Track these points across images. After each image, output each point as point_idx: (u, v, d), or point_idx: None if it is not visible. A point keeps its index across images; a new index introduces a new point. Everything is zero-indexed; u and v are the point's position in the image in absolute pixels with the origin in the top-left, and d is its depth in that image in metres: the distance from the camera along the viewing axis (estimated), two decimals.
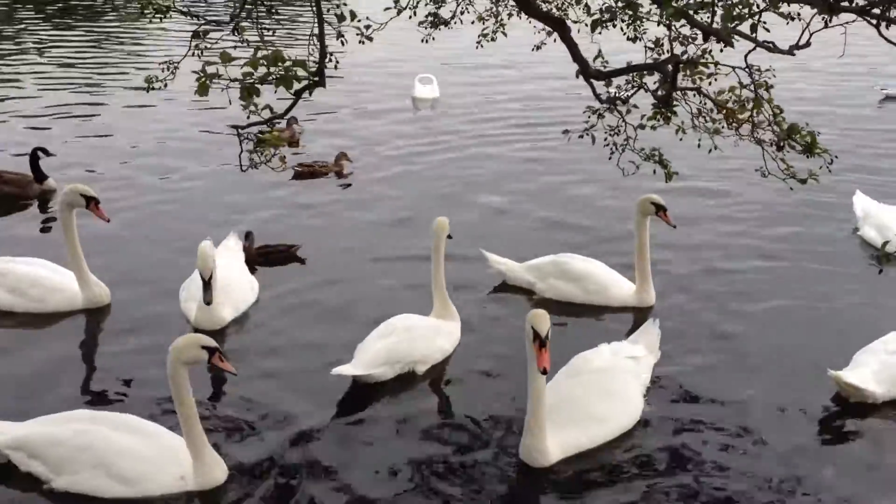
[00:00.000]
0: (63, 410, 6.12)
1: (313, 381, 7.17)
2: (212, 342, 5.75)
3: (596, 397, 6.37)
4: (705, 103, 6.13)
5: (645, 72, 6.17)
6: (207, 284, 7.58)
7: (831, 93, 18.36)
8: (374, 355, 7.13)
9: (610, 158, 6.85)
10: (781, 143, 5.60)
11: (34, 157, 11.57)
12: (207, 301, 7.59)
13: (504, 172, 12.98)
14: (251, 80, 4.23)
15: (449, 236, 7.88)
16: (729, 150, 6.82)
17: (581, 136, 6.83)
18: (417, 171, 13.04)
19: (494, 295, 8.95)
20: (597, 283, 8.63)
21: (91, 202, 8.31)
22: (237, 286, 8.38)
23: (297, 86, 4.50)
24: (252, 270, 9.06)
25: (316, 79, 4.75)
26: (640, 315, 8.48)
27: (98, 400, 6.89)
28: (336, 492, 5.85)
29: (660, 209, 8.32)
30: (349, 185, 12.45)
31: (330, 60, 5.39)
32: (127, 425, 5.88)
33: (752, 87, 5.58)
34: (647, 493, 5.88)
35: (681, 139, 6.50)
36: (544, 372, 5.70)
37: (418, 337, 7.44)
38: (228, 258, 8.76)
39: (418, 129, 15.44)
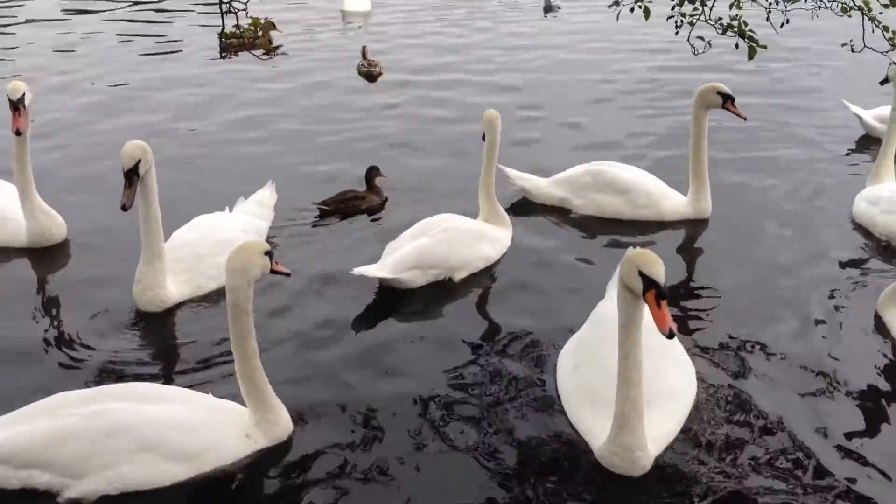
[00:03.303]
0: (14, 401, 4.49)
1: (337, 288, 6.24)
2: (266, 245, 4.61)
3: (658, 363, 4.62)
4: None
5: None
6: (128, 180, 5.55)
7: None
8: (402, 257, 6.04)
9: (677, 33, 5.89)
10: None
11: None
12: (122, 205, 5.56)
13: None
14: None
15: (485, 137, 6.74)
16: None
17: (632, 10, 5.90)
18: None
19: (518, 218, 7.34)
20: (647, 195, 7.26)
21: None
22: (215, 257, 6.05)
23: None
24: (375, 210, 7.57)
25: None
26: (694, 229, 7.21)
27: (62, 379, 5.18)
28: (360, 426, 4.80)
29: (727, 99, 6.95)
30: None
31: None
32: (145, 395, 4.43)
33: None
34: (756, 469, 4.42)
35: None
36: (670, 335, 4.00)
37: (456, 239, 6.29)
38: (241, 215, 6.83)
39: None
